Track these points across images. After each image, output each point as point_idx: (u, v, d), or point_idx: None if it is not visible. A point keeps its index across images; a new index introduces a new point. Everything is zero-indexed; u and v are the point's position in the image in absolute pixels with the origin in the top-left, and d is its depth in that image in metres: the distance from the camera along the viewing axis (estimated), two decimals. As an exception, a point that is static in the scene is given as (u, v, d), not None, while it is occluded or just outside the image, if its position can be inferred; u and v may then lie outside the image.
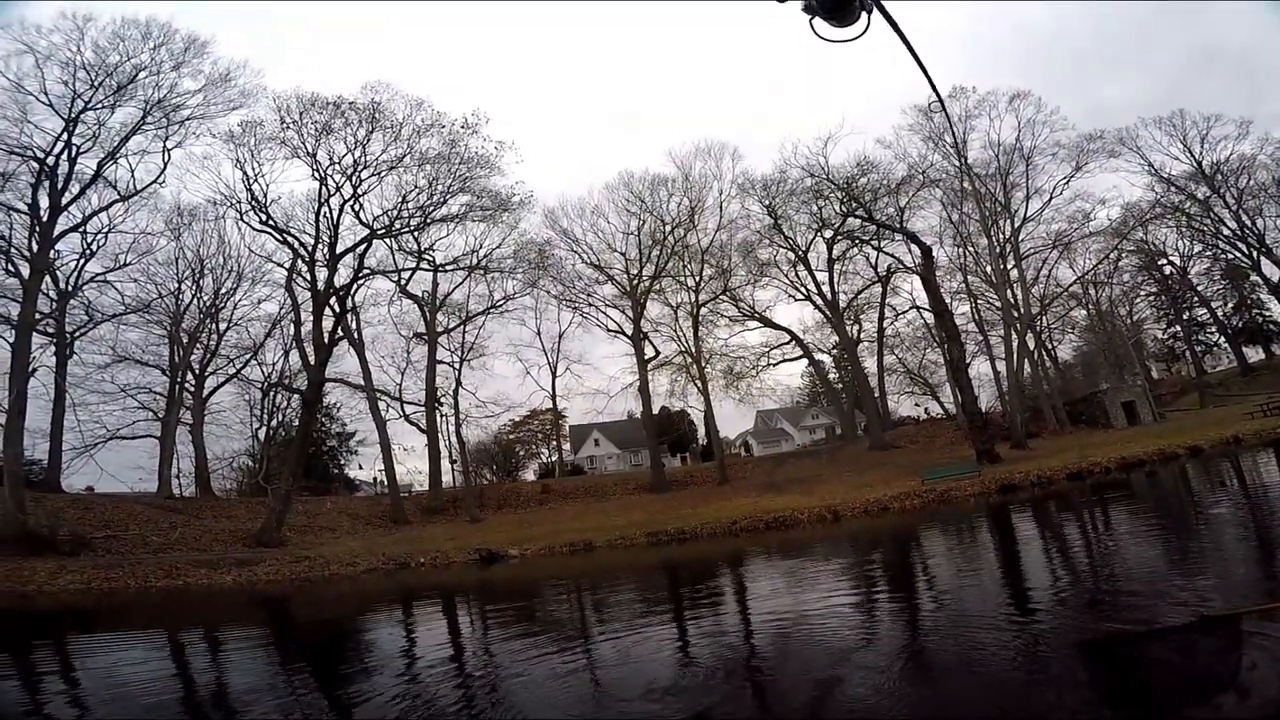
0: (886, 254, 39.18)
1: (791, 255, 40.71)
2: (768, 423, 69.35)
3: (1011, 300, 36.67)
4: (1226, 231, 40.70)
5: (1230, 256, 43.78)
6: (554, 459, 53.52)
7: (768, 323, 41.61)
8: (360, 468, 49.82)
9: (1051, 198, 37.20)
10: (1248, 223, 39.63)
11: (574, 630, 8.65)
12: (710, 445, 43.68)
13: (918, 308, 40.89)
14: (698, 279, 38.52)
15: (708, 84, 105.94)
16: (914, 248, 33.79)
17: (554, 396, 44.84)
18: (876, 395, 44.04)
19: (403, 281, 34.38)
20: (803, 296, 41.78)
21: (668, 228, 38.33)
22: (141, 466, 32.53)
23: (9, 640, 10.52)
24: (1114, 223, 40.22)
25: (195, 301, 34.35)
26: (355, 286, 31.42)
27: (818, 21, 2.06)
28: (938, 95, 2.88)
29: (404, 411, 34.70)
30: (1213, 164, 39.51)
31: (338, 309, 29.60)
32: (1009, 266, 37.07)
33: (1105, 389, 39.13)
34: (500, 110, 63.44)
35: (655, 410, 41.06)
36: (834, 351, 45.43)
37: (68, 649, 9.69)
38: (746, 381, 40.02)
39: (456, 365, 36.64)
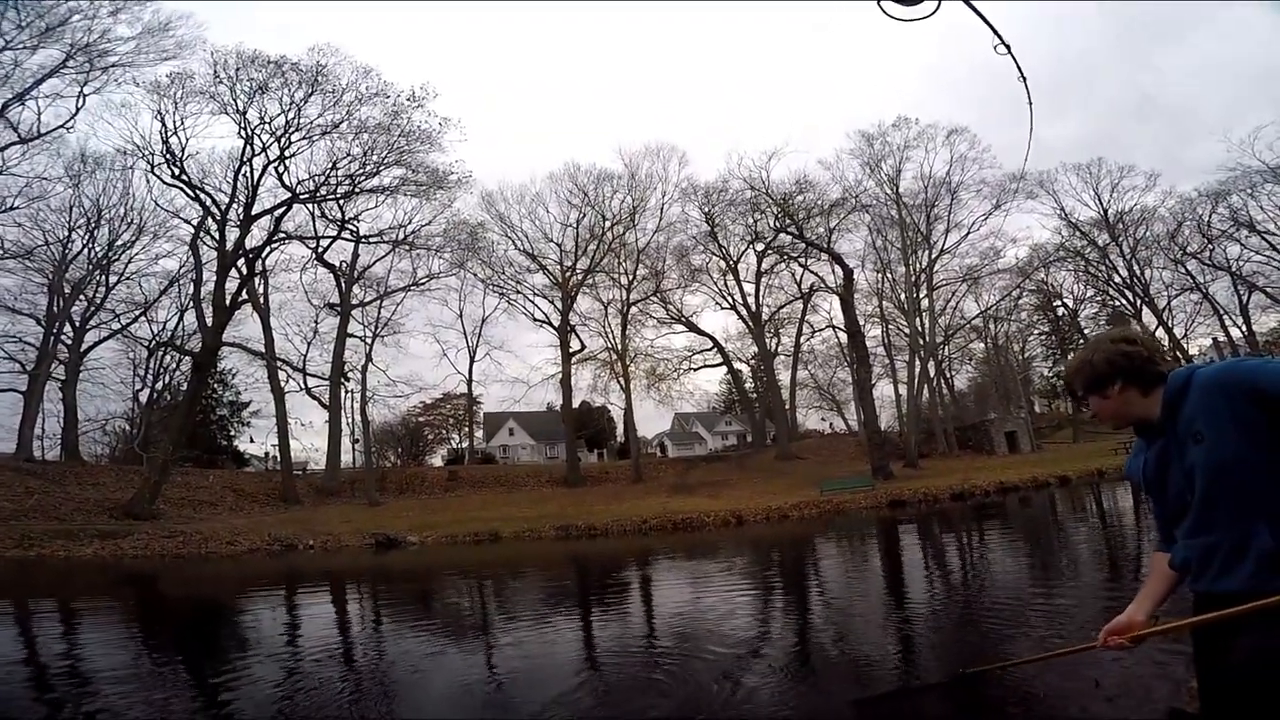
0: (811, 272, 40.96)
1: (723, 264, 41.95)
2: (684, 425, 70.56)
3: (919, 328, 38.89)
4: (1118, 279, 44.13)
5: (1117, 304, 47.53)
6: (464, 445, 52.23)
7: (693, 328, 42.59)
8: (251, 441, 46.72)
9: (969, 232, 39.73)
10: (1137, 272, 43.08)
11: (473, 623, 8.45)
12: (628, 443, 43.95)
13: (834, 327, 42.90)
14: (631, 277, 38.78)
15: (664, 86, 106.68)
16: (838, 269, 35.34)
17: (470, 381, 43.87)
18: (787, 407, 45.78)
19: (321, 249, 32.58)
20: (729, 305, 43.06)
21: (608, 223, 38.37)
22: (0, 424, 29.36)
23: None
24: (1020, 262, 43.32)
25: (86, 252, 31.34)
26: (268, 250, 29.53)
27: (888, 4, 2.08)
28: (1004, 42, 2.94)
29: (306, 384, 32.81)
30: (1117, 213, 42.78)
31: (245, 271, 27.73)
32: (921, 295, 39.33)
33: (993, 418, 42.21)
34: (451, 88, 61.39)
35: (576, 404, 40.90)
36: (752, 362, 46.86)
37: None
38: (668, 383, 40.67)
39: (369, 340, 35.15)
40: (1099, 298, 48.47)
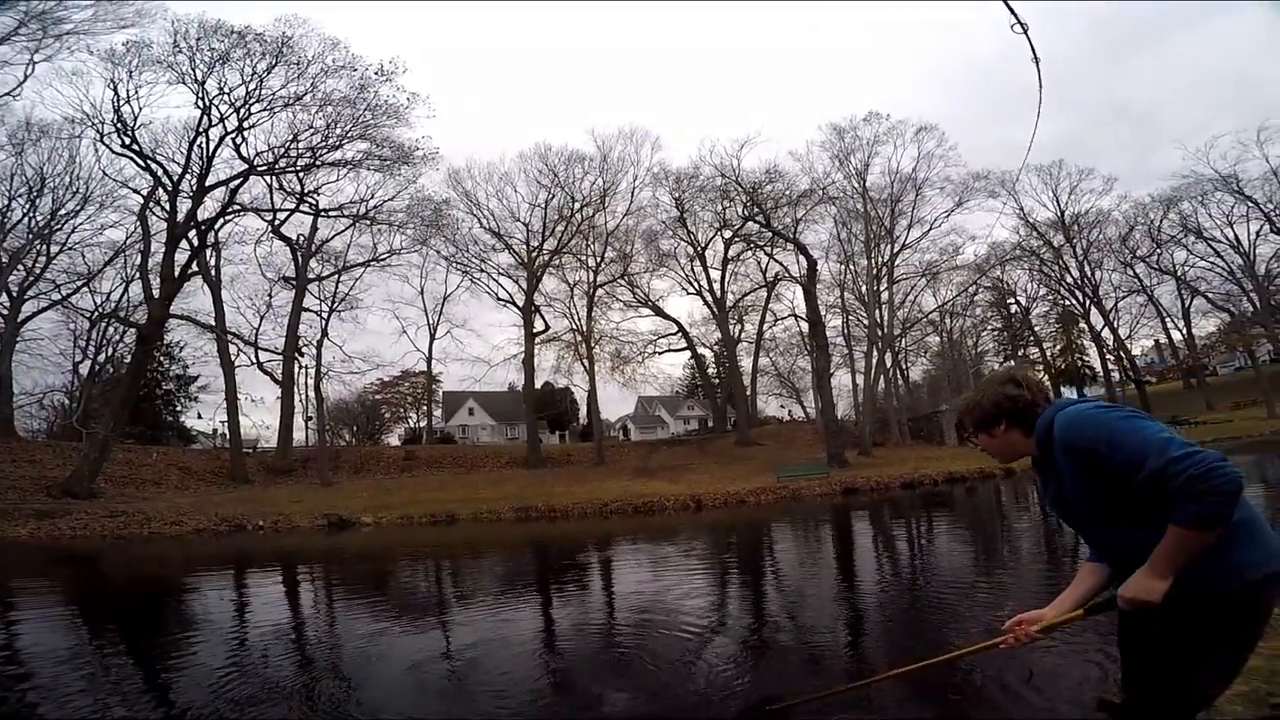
0: (777, 261, 41.45)
1: (691, 250, 42.11)
2: (647, 409, 70.92)
3: (879, 320, 39.79)
4: (1070, 279, 45.70)
5: (1067, 303, 49.35)
6: (423, 425, 51.52)
7: (659, 312, 42.83)
8: (199, 417, 45.15)
9: (931, 228, 40.67)
10: (1088, 273, 44.69)
11: (427, 605, 8.41)
12: (590, 425, 43.98)
13: (796, 316, 43.47)
14: (599, 260, 38.63)
15: (641, 70, 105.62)
16: (802, 259, 35.80)
17: (430, 359, 43.05)
18: (748, 394, 46.39)
19: (278, 222, 31.48)
20: (694, 291, 43.37)
21: (577, 205, 38.04)
22: (-70, 397, 27.76)
23: None
24: (978, 259, 44.57)
25: (27, 220, 29.71)
26: (221, 222, 28.42)
27: None
28: (1020, 22, 2.99)
29: (258, 358, 31.71)
30: (1073, 215, 44.30)
31: (196, 243, 26.68)
32: (882, 288, 40.18)
33: (944, 410, 43.53)
34: (421, 63, 59.51)
35: (539, 385, 40.70)
36: (716, 347, 47.22)
37: None
38: (632, 366, 40.89)
39: (325, 315, 34.23)
40: (1050, 297, 50.21)
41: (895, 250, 40.34)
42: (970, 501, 18.87)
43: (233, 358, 31.52)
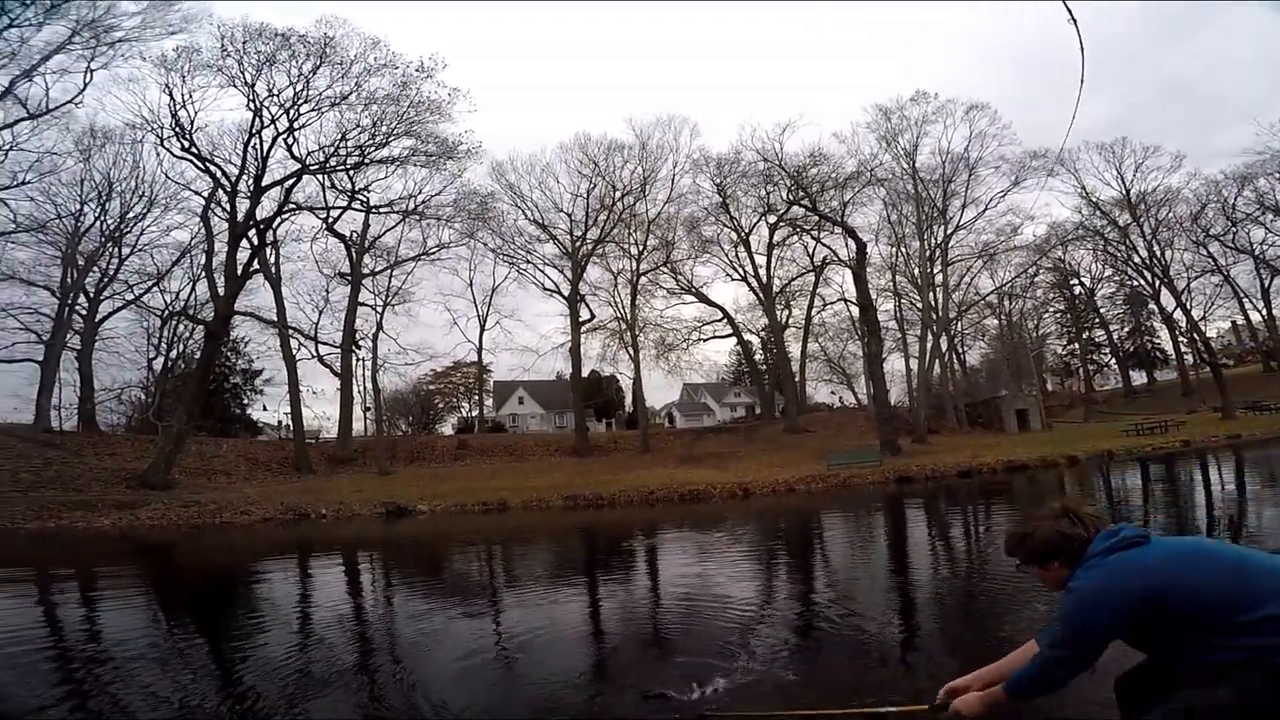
0: (824, 245, 40.50)
1: (734, 235, 41.63)
2: (693, 396, 70.74)
3: (933, 303, 38.57)
4: (1137, 259, 43.46)
5: (1135, 284, 47.01)
6: (474, 414, 52.70)
7: (703, 299, 42.42)
8: (265, 409, 47.54)
9: (986, 209, 39.13)
10: (1157, 253, 42.46)
11: (482, 593, 8.60)
12: (636, 413, 44.18)
13: (845, 300, 42.51)
14: (641, 248, 38.67)
15: (677, 57, 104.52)
16: (850, 242, 34.90)
17: (480, 350, 44.06)
18: (797, 380, 45.70)
19: (331, 220, 32.59)
20: (739, 277, 42.84)
21: (618, 194, 38.12)
22: (18, 395, 30.22)
23: None
24: (1038, 239, 42.72)
25: (98, 224, 31.66)
26: (278, 221, 29.63)
27: None
28: (1072, 17, 2.94)
29: (318, 352, 33.10)
30: (1139, 193, 42.05)
31: (256, 242, 27.90)
32: (935, 270, 38.94)
33: (1003, 395, 42.02)
34: (460, 58, 60.32)
35: (585, 373, 41.09)
36: (762, 333, 46.75)
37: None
38: (677, 354, 40.76)
39: (379, 309, 35.33)
40: (1117, 277, 47.88)
41: (949, 232, 39.09)
42: (1032, 491, 18.15)
43: (294, 351, 32.88)
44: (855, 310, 37.15)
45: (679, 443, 37.26)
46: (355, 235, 34.26)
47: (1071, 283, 49.10)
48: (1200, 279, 44.23)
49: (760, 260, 41.99)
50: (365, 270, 34.76)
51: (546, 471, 28.73)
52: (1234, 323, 50.50)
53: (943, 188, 38.36)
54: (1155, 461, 21.42)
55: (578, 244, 38.17)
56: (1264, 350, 47.79)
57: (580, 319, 37.74)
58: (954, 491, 19.07)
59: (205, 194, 28.20)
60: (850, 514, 16.06)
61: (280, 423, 43.61)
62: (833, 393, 59.61)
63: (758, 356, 50.80)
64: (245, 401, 47.52)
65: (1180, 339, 46.57)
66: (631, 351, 38.03)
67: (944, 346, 41.36)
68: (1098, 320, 51.78)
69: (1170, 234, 42.56)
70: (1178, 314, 43.37)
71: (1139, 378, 56.87)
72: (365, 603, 8.23)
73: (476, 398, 53.43)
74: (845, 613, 6.62)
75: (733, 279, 43.08)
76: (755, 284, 42.18)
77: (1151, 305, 47.26)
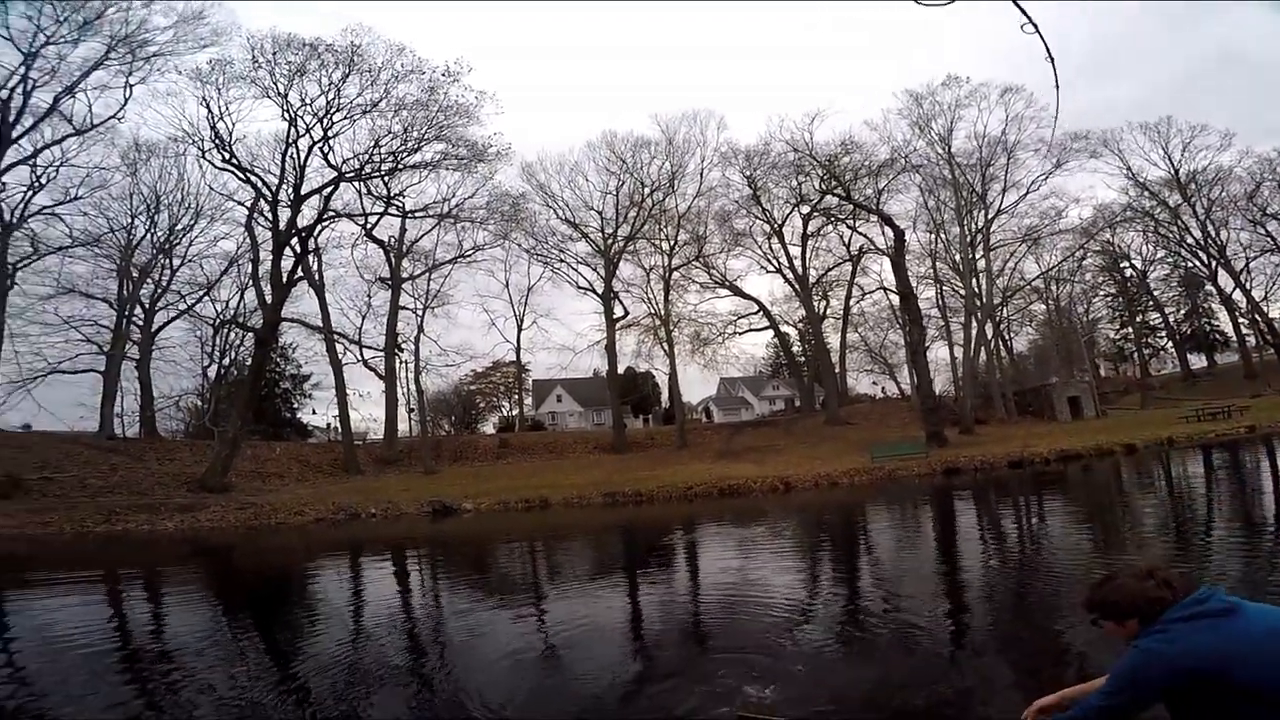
0: (860, 234, 39.69)
1: (767, 227, 41.10)
2: (730, 390, 70.24)
3: (975, 289, 37.52)
4: (1190, 240, 42.25)
5: (1190, 265, 45.40)
6: (514, 413, 53.35)
7: (738, 292, 41.98)
8: (314, 413, 48.84)
9: (1028, 192, 38.06)
10: (1212, 233, 41.15)
11: (526, 590, 8.73)
12: (673, 408, 44.13)
13: (885, 289, 41.63)
14: (672, 243, 38.49)
15: (699, 52, 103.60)
16: (887, 230, 34.04)
17: (518, 349, 44.54)
18: (836, 371, 44.91)
19: (369, 226, 33.38)
20: (774, 269, 42.24)
21: (647, 190, 38.06)
22: (83, 404, 31.54)
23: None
24: (1084, 222, 41.26)
25: (149, 237, 33.12)
26: (319, 228, 30.45)
27: None
28: (1031, 22, 2.82)
29: (362, 356, 33.91)
30: (1189, 173, 40.63)
31: (298, 249, 28.70)
32: (977, 256, 37.89)
33: (1054, 382, 40.56)
34: (484, 60, 60.94)
35: (621, 370, 41.23)
36: (800, 325, 46.03)
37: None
38: (712, 348, 40.42)
39: (420, 312, 36.08)
40: (1170, 259, 46.25)
41: (990, 216, 38.01)
42: (1086, 481, 17.51)
43: (340, 355, 33.83)
44: (895, 299, 36.46)
45: (717, 437, 37.07)
46: (393, 240, 35.03)
47: (1122, 265, 47.32)
48: (1260, 258, 42.53)
49: (795, 251, 41.42)
50: (404, 274, 35.49)
51: (586, 469, 28.94)
52: None
53: (981, 172, 37.42)
54: (1219, 449, 20.40)
55: (609, 241, 38.28)
56: (1333, 331, 45.17)
57: (614, 316, 37.85)
58: (1004, 483, 18.52)
59: (248, 204, 29.19)
60: (895, 507, 15.77)
61: (329, 425, 44.92)
62: (874, 383, 58.37)
63: (795, 348, 50.15)
64: (295, 405, 49.04)
65: (1240, 320, 44.44)
66: (666, 347, 37.97)
67: (989, 333, 40.24)
68: (1152, 303, 49.64)
69: (1224, 213, 41.08)
70: (1237, 295, 41.97)
71: (1198, 361, 54.07)
72: (414, 600, 8.44)
73: (516, 397, 54.02)
74: (891, 609, 6.51)
75: (767, 271, 42.58)
76: (790, 275, 41.63)
77: (1209, 286, 45.66)
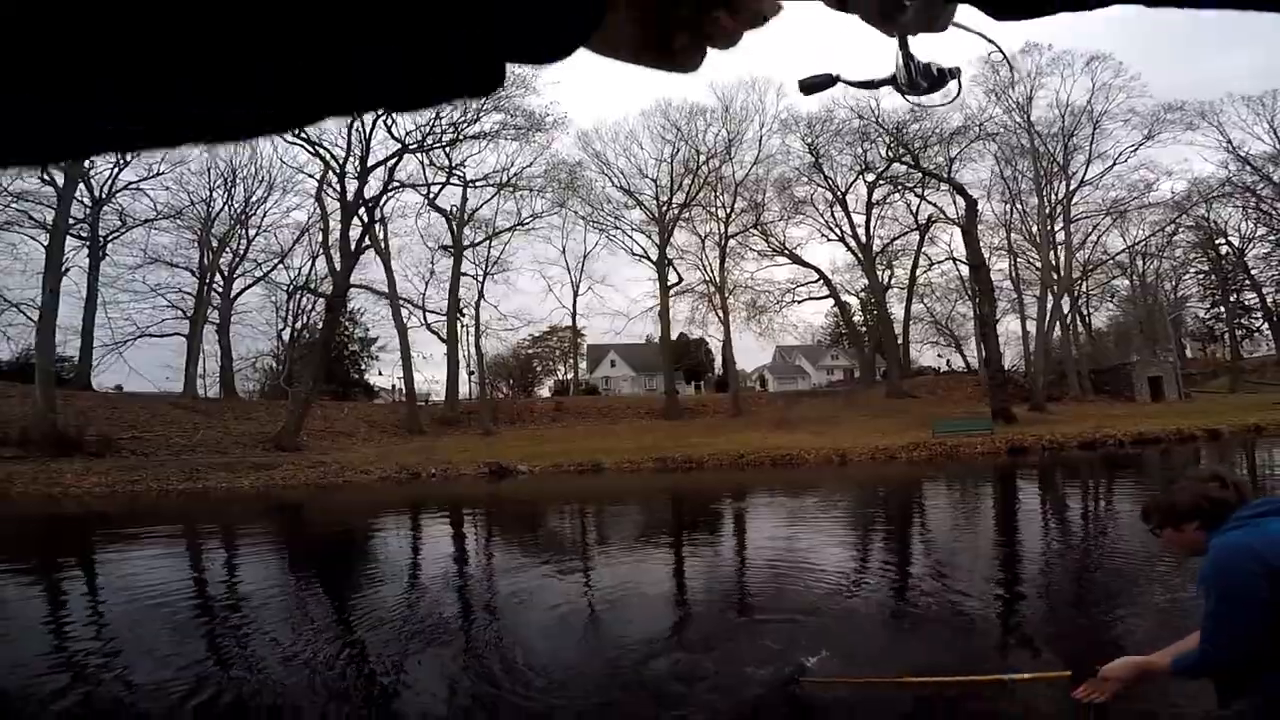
0: (929, 203, 38.44)
1: (829, 195, 40.06)
2: (786, 359, 69.14)
3: (1052, 262, 35.88)
4: None
5: None
6: (569, 377, 54.22)
7: (797, 260, 41.28)
8: (380, 374, 51.06)
9: (1115, 164, 36.25)
10: None
11: (576, 553, 8.96)
12: (726, 376, 43.95)
13: (954, 259, 40.07)
14: (728, 210, 38.10)
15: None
16: (959, 199, 32.96)
17: (574, 314, 45.20)
18: (899, 342, 43.62)
19: (432, 195, 34.48)
20: (836, 237, 41.29)
21: (702, 157, 37.63)
22: (169, 365, 34.03)
23: (34, 544, 11.24)
24: (1177, 196, 39.04)
25: (226, 208, 35.17)
26: (384, 198, 31.69)
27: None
28: (1003, 53, 2.67)
29: (425, 319, 35.53)
30: None
31: (366, 219, 30.01)
32: (1056, 228, 36.23)
33: (1135, 361, 38.27)
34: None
35: (674, 336, 41.43)
36: (861, 294, 44.95)
37: (90, 553, 10.27)
38: (769, 316, 40.28)
39: (480, 278, 37.24)
40: (1272, 236, 42.91)
41: (1072, 188, 36.34)
42: (1164, 466, 16.53)
43: (405, 320, 35.24)
44: (965, 269, 35.02)
45: (771, 406, 36.73)
46: (455, 209, 35.97)
47: (1217, 242, 44.24)
48: None
49: (858, 220, 40.17)
50: (465, 242, 36.48)
51: (639, 434, 29.23)
52: None
53: (1063, 142, 35.78)
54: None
55: (664, 208, 38.17)
56: None
57: (669, 283, 37.93)
58: (1073, 465, 17.68)
59: (317, 176, 30.54)
60: (955, 485, 15.32)
61: (394, 386, 46.83)
62: (939, 355, 56.31)
63: (856, 318, 48.80)
64: (363, 367, 51.41)
65: None
66: (721, 314, 37.84)
67: (1066, 308, 38.31)
68: (1248, 282, 46.26)
69: None
70: None
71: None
72: (468, 558, 8.81)
73: (571, 361, 54.89)
74: (942, 588, 6.37)
75: (829, 240, 41.66)
76: (854, 244, 40.48)
77: None
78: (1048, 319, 36.42)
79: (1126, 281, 44.79)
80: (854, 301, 46.70)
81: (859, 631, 4.97)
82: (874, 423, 28.53)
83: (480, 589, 6.97)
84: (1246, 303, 49.44)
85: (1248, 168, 39.04)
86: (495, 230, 37.55)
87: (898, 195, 39.64)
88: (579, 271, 43.76)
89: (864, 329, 48.11)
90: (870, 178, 38.42)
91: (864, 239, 40.02)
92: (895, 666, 3.88)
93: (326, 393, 36.59)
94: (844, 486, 15.96)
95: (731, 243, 38.48)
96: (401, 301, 34.98)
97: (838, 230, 40.80)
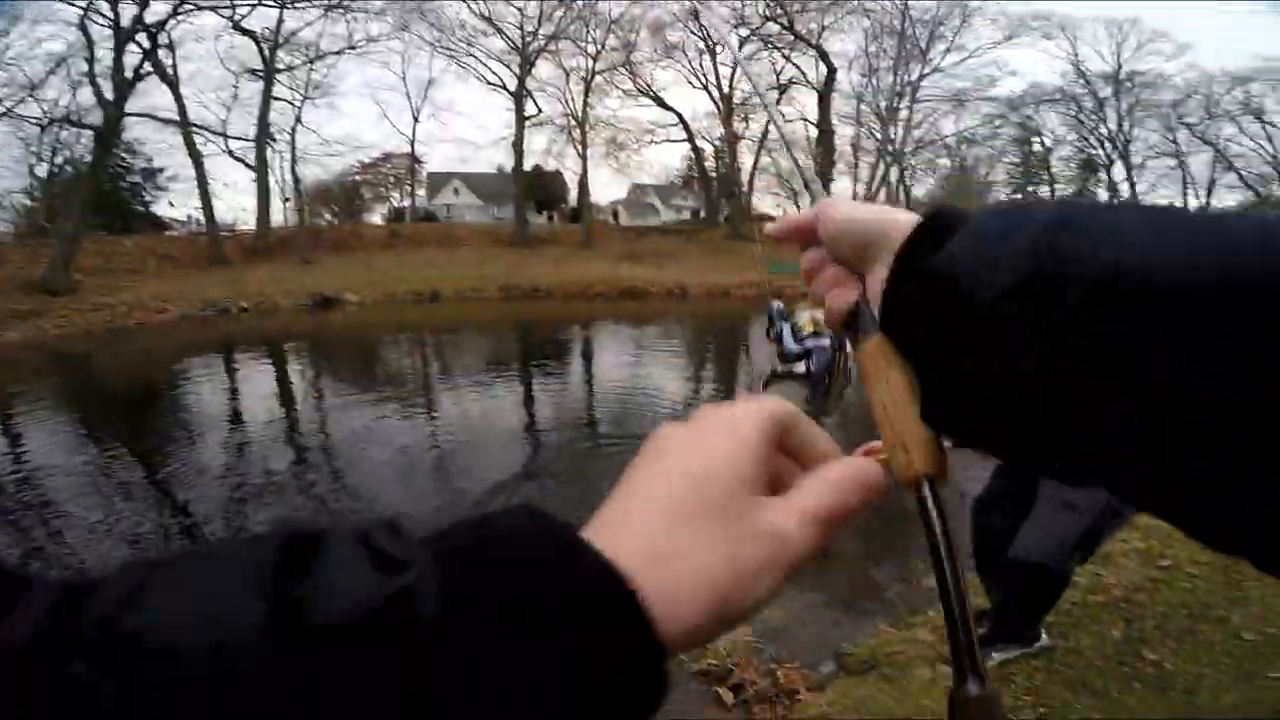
0: (793, 64, 39.06)
1: (702, 44, 38.92)
2: (640, 195, 69.12)
3: (892, 136, 38.81)
4: (1105, 130, 45.60)
5: (1093, 152, 49.16)
6: (406, 205, 50.78)
7: (661, 103, 41.24)
8: (171, 205, 44.07)
9: (970, 56, 38.92)
10: (1126, 128, 44.69)
11: (415, 387, 8.62)
12: (580, 208, 43.53)
13: (805, 120, 41.71)
14: (599, 46, 36.25)
15: None
16: (822, 66, 34.35)
17: (413, 142, 41.76)
18: (745, 190, 45.74)
19: (238, 18, 27.95)
20: (700, 86, 41.27)
21: (579, -11, 34.07)
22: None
23: None
24: (1014, 95, 43.39)
25: None
26: (174, 23, 25.60)
27: None
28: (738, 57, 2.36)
29: (228, 147, 30.28)
30: (1130, 72, 43.27)
31: (148, 45, 24.13)
32: (901, 105, 38.79)
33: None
34: None
35: (528, 168, 39.80)
36: (717, 142, 46.03)
37: None
38: (628, 153, 41.01)
39: (298, 103, 32.26)
40: (1078, 143, 49.39)
41: (925, 72, 38.71)
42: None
43: (200, 148, 29.85)
44: (813, 132, 36.47)
45: (622, 239, 36.89)
46: (268, 31, 29.65)
47: (1032, 140, 50.38)
48: (1157, 160, 47.01)
49: (724, 72, 40.01)
50: (280, 65, 30.73)
51: (484, 262, 27.98)
52: (1170, 204, 54.25)
53: (931, 29, 37.61)
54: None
55: (528, 39, 34.86)
56: (1189, 233, 52.74)
57: (526, 114, 35.82)
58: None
59: (82, 3, 23.43)
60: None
61: (190, 217, 40.70)
62: (778, 206, 59.93)
63: (709, 164, 49.90)
64: (147, 199, 43.71)
65: None
66: (580, 148, 37.19)
67: (894, 178, 42.35)
68: (1048, 178, 53.64)
69: (1144, 114, 44.43)
70: (1124, 186, 46.51)
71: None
72: (296, 401, 8.12)
73: (408, 188, 50.70)
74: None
75: (695, 87, 41.66)
76: (716, 94, 40.79)
77: (1101, 174, 50.03)
78: (876, 184, 40.02)
79: (948, 162, 49.65)
80: (709, 148, 47.90)
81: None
82: (713, 260, 29.80)
83: (314, 433, 6.51)
84: (1041, 196, 57.68)
85: (1082, 80, 43.89)
86: (319, 54, 32.01)
87: (766, 53, 39.63)
88: (421, 98, 39.99)
89: (714, 175, 49.56)
90: (744, 32, 37.82)
91: (726, 91, 40.39)
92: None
93: (100, 225, 30.83)
94: (684, 319, 16.82)
95: (598, 79, 37.21)
96: (195, 129, 29.34)
97: (704, 79, 40.82)
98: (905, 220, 0.35)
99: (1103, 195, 51.48)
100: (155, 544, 3.98)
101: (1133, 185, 46.17)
